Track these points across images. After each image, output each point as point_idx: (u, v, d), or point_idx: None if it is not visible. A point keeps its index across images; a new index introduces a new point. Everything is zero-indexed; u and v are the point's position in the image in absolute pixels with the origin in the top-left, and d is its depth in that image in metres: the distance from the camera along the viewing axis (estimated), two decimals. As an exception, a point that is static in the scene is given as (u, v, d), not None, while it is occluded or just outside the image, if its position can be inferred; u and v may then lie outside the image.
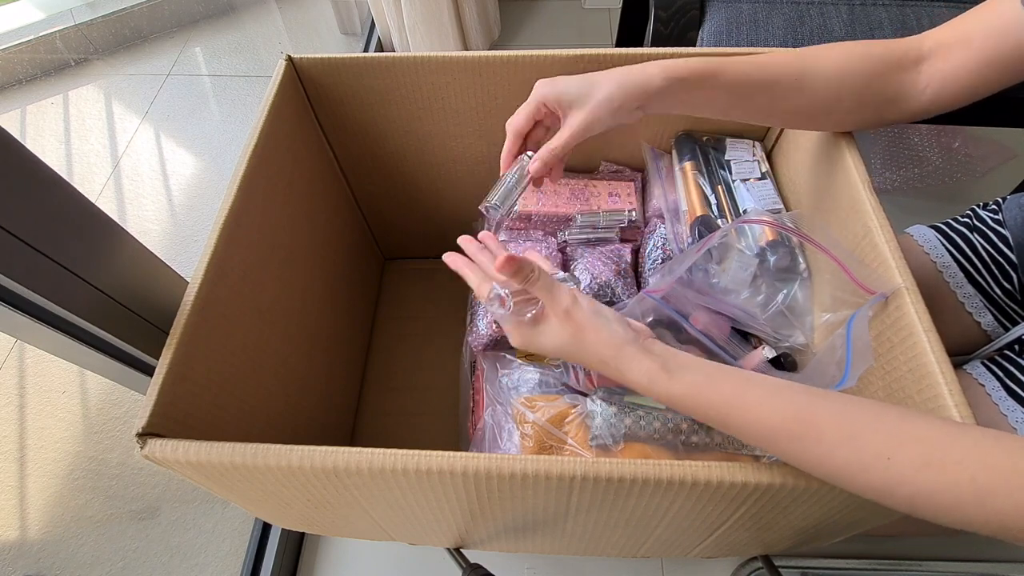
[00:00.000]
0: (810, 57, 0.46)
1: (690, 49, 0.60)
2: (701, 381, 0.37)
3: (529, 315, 0.43)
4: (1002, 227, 0.59)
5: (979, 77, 0.44)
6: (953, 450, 0.30)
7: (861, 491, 0.33)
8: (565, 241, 0.71)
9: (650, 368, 0.38)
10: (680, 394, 0.38)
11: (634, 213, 0.70)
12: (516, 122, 0.50)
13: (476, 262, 0.50)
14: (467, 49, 1.36)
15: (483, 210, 0.52)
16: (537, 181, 0.51)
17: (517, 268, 0.40)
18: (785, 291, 0.57)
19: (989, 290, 0.58)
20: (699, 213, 0.64)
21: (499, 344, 0.66)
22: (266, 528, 0.79)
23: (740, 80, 0.45)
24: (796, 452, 0.34)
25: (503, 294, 0.43)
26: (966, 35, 0.44)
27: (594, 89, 0.46)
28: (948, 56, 0.44)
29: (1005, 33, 0.42)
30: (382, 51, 1.42)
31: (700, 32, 0.85)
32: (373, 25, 1.40)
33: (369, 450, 0.38)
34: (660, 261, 0.67)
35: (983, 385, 0.53)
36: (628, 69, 0.46)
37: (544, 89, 0.48)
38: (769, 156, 0.69)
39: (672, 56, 0.59)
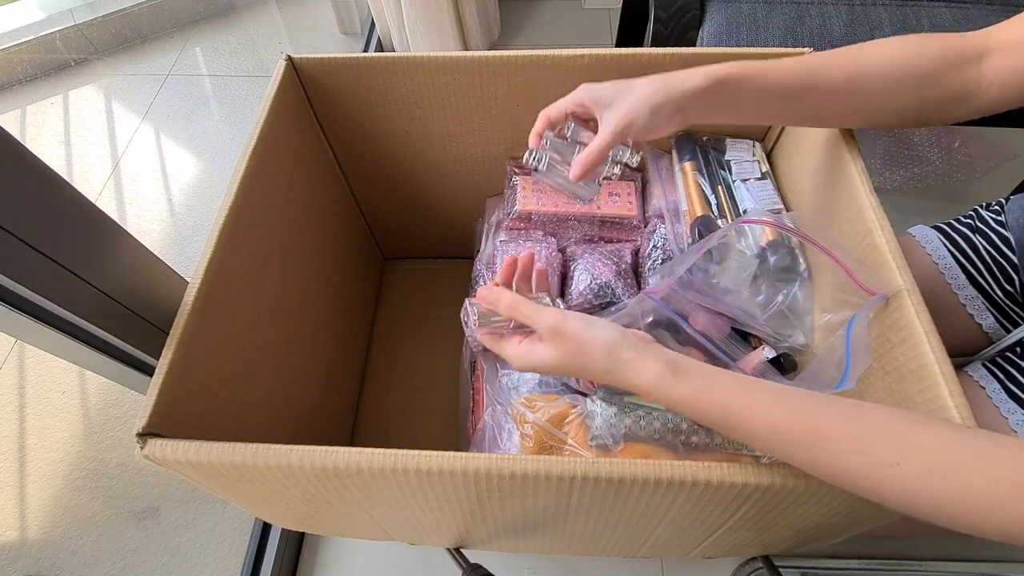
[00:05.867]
0: (862, 54, 0.44)
1: (696, 50, 0.60)
2: (706, 385, 0.36)
3: (513, 335, 0.44)
4: (1004, 228, 0.58)
5: None
6: (962, 459, 0.30)
7: (867, 497, 0.33)
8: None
9: (656, 371, 0.37)
10: (686, 397, 0.36)
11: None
12: (550, 111, 0.49)
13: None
14: (467, 49, 1.36)
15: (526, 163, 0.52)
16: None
17: (495, 295, 0.42)
18: (785, 291, 0.57)
19: (991, 292, 0.58)
20: (699, 213, 0.64)
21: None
22: (266, 528, 0.79)
23: (788, 81, 0.43)
24: (802, 459, 0.34)
25: (472, 314, 0.44)
26: None
27: (631, 89, 0.45)
28: (1016, 54, 0.42)
29: None
30: (382, 51, 1.42)
31: (700, 32, 0.85)
32: (373, 25, 1.40)
33: (369, 450, 0.38)
34: (660, 261, 0.67)
35: (984, 387, 0.53)
36: (670, 72, 0.45)
37: (582, 92, 0.47)
38: (769, 156, 0.69)
39: (672, 56, 0.60)
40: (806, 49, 0.59)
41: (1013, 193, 0.61)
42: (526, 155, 0.52)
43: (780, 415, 0.34)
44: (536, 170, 0.52)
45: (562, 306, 0.47)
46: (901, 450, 0.31)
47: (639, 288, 0.68)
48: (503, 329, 0.44)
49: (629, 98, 0.45)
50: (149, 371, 0.48)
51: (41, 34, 1.50)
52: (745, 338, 0.60)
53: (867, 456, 0.32)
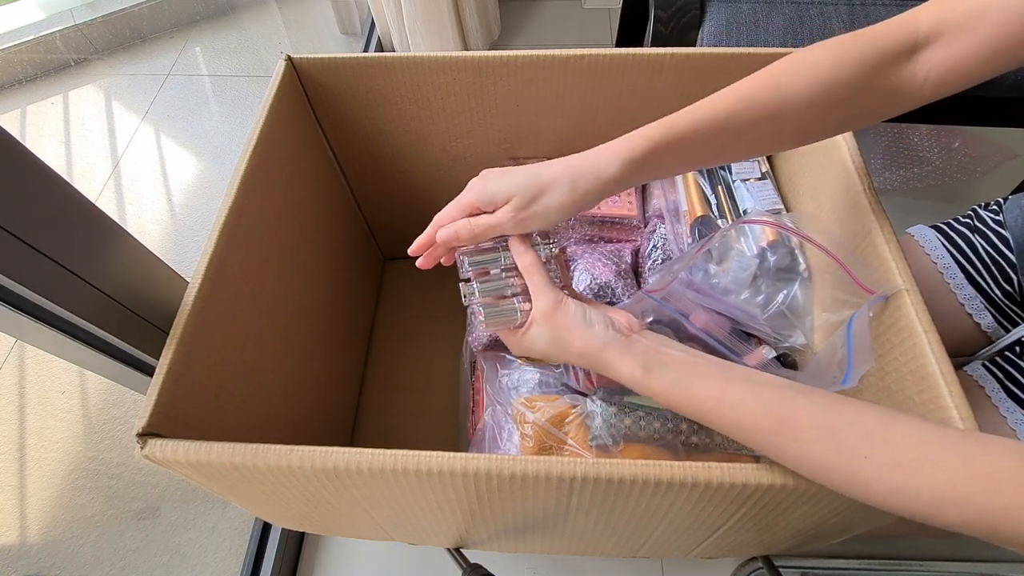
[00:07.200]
0: (787, 83, 0.39)
1: (696, 50, 0.60)
2: (680, 379, 0.37)
3: (512, 323, 0.44)
4: (1003, 228, 0.59)
5: (989, 64, 0.37)
6: (931, 452, 0.29)
7: (838, 489, 0.33)
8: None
9: (631, 368, 0.39)
10: (660, 392, 0.38)
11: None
12: (444, 216, 0.45)
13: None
14: (467, 49, 1.36)
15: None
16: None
17: (522, 250, 0.42)
18: (785, 291, 0.57)
19: (989, 291, 0.58)
20: (699, 213, 0.64)
21: (499, 344, 0.66)
22: (266, 528, 0.79)
23: (708, 139, 0.39)
24: (773, 448, 0.34)
25: (476, 306, 0.44)
26: (974, 13, 0.36)
27: (544, 195, 0.41)
28: (952, 42, 0.37)
29: None
30: (382, 51, 1.42)
31: (700, 32, 0.85)
32: (373, 25, 1.40)
33: (369, 450, 0.38)
34: (660, 261, 0.67)
35: (983, 387, 0.53)
36: (579, 166, 0.40)
37: (477, 191, 0.43)
38: (769, 156, 0.69)
39: (672, 56, 0.60)
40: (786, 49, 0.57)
41: (1012, 193, 0.61)
42: (464, 297, 0.45)
43: (750, 409, 0.34)
44: (473, 303, 0.45)
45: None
46: (871, 442, 0.31)
47: (639, 288, 0.68)
48: (509, 322, 0.44)
49: (540, 204, 0.41)
50: (149, 371, 0.48)
51: (41, 34, 1.50)
52: (746, 337, 0.60)
53: (837, 448, 0.32)
